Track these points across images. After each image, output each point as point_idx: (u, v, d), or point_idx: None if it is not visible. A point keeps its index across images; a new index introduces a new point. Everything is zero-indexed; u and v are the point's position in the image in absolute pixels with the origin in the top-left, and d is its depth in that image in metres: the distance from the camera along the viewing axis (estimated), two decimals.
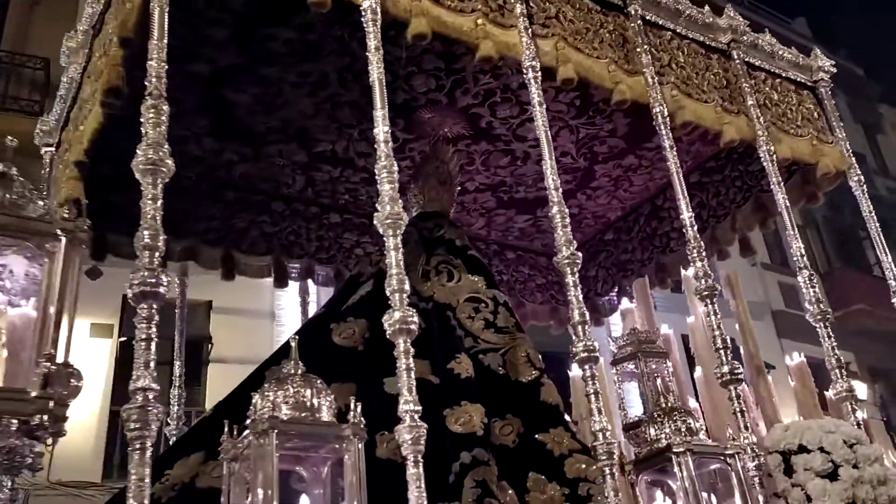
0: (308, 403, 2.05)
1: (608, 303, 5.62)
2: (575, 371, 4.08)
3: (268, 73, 3.95)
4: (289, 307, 12.11)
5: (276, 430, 1.91)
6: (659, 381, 3.10)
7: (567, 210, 3.04)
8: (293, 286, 6.05)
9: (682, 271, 4.17)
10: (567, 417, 3.28)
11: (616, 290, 5.51)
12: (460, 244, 3.92)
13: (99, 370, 9.37)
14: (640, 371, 3.09)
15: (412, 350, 2.37)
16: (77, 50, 3.82)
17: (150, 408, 1.87)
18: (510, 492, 2.76)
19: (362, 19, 2.88)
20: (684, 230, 3.40)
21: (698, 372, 3.90)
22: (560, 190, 3.07)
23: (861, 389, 5.27)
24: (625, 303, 4.64)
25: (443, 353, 3.17)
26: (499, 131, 4.50)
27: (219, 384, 9.65)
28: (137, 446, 1.84)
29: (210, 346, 10.82)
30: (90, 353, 9.30)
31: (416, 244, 3.85)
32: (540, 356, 3.45)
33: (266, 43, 3.77)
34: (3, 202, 1.99)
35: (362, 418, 2.06)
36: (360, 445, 2.02)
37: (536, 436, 3.03)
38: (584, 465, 2.92)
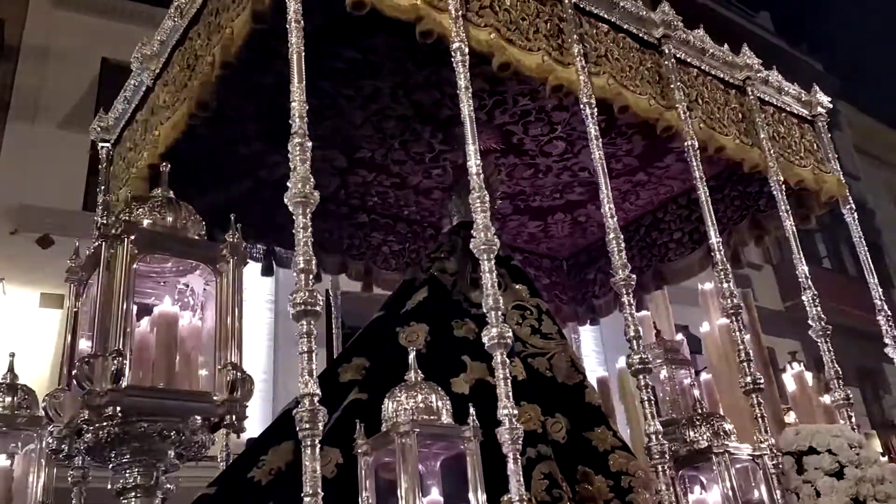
0: (434, 407, 2.41)
1: (604, 305, 6.05)
2: (601, 372, 4.49)
3: (325, 87, 4.24)
4: None
5: (417, 431, 2.27)
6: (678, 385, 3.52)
7: (622, 236, 3.40)
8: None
9: (699, 286, 4.59)
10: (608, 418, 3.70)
11: (613, 293, 5.95)
12: (503, 254, 4.28)
13: (49, 339, 9.40)
14: (669, 376, 3.50)
15: (508, 361, 2.71)
16: (151, 57, 4.06)
17: (317, 410, 2.23)
18: (564, 484, 3.16)
19: (452, 60, 3.22)
20: (712, 254, 3.80)
21: (704, 375, 4.34)
22: (616, 218, 3.43)
23: (808, 377, 5.84)
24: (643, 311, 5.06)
25: None
26: (528, 147, 4.87)
27: None
28: (309, 443, 2.19)
29: None
30: (40, 322, 9.46)
31: (463, 252, 4.21)
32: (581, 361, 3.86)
33: (330, 60, 4.06)
34: (176, 227, 2.28)
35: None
36: (477, 444, 2.39)
37: (583, 433, 3.44)
38: (625, 461, 3.35)
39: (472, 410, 2.44)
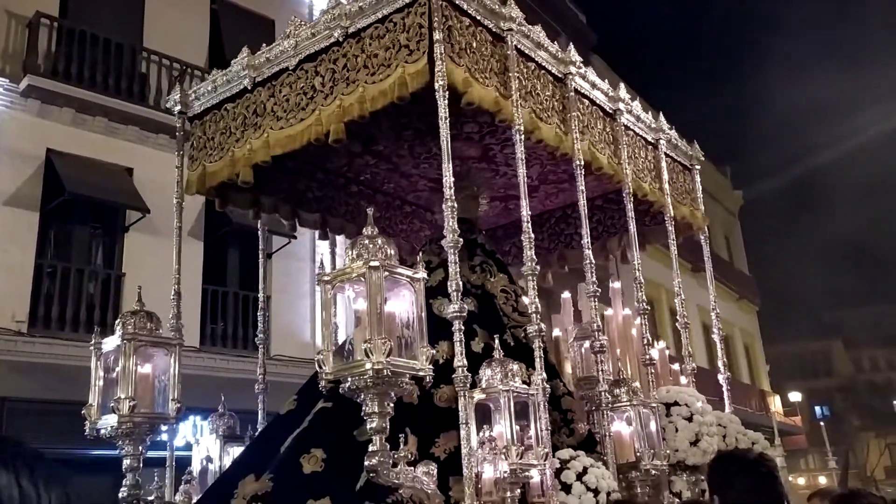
0: (513, 373, 4.14)
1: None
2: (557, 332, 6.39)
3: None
4: None
5: (512, 393, 3.99)
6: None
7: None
8: None
9: (611, 284, 6.53)
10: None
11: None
12: (489, 248, 5.96)
13: None
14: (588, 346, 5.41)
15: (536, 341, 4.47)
16: (257, 67, 5.24)
17: (468, 375, 3.90)
18: None
19: (513, 135, 4.81)
20: (633, 271, 5.72)
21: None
22: (590, 250, 5.21)
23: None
24: (565, 293, 6.95)
25: (495, 327, 5.25)
26: (498, 158, 6.49)
27: None
28: (462, 394, 3.87)
29: None
30: None
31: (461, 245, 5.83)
32: None
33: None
34: (392, 256, 3.76)
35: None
36: (541, 400, 4.16)
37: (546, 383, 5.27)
38: (570, 402, 5.25)
39: (534, 379, 4.20)
